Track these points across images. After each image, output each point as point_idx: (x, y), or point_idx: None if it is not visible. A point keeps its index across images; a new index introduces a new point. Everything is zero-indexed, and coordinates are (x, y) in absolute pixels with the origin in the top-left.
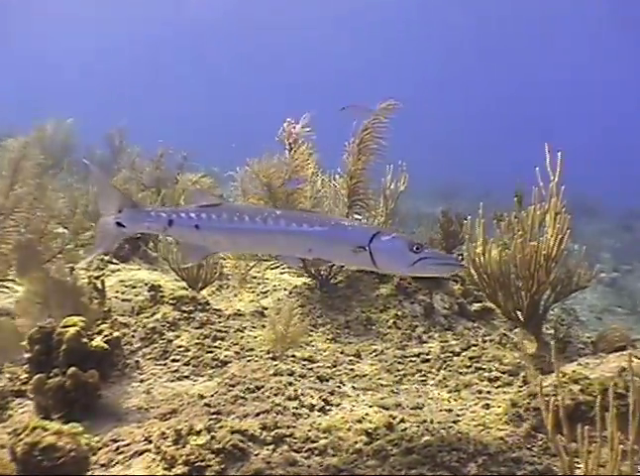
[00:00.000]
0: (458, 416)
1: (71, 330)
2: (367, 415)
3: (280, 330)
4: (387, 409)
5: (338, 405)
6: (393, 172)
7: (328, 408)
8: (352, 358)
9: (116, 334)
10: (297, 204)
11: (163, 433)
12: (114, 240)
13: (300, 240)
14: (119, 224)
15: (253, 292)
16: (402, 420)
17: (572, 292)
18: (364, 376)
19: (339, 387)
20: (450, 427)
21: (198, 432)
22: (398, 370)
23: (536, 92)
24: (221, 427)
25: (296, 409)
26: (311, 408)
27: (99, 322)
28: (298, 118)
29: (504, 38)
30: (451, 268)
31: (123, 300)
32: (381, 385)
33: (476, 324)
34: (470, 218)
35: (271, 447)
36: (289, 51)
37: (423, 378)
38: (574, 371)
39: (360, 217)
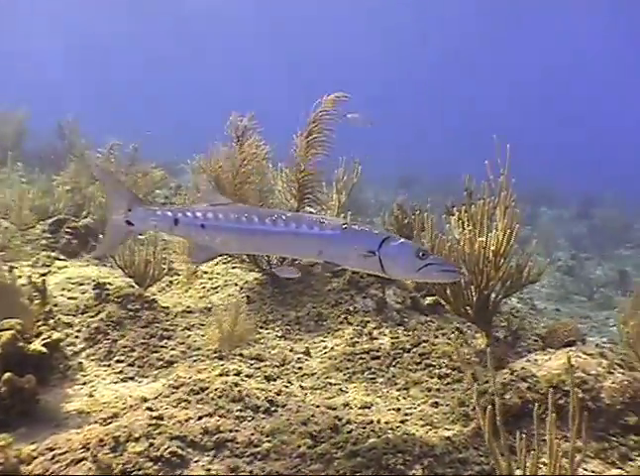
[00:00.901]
0: (406, 415)
1: (7, 334)
2: (312, 416)
3: (227, 329)
4: (335, 409)
5: (284, 406)
6: (346, 163)
7: (273, 409)
8: (301, 356)
9: (56, 336)
10: (247, 198)
11: (101, 440)
12: (123, 238)
13: (310, 243)
14: (128, 223)
15: (203, 287)
16: (348, 422)
17: (522, 286)
18: (312, 374)
19: (286, 386)
20: (397, 427)
21: (137, 439)
22: (348, 368)
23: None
24: (160, 433)
25: (240, 411)
26: (256, 409)
27: (39, 324)
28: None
29: (468, 37)
30: (453, 275)
31: (69, 299)
32: (330, 384)
33: (429, 318)
34: (420, 212)
35: (212, 453)
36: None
37: (373, 376)
38: (522, 368)
39: (313, 211)
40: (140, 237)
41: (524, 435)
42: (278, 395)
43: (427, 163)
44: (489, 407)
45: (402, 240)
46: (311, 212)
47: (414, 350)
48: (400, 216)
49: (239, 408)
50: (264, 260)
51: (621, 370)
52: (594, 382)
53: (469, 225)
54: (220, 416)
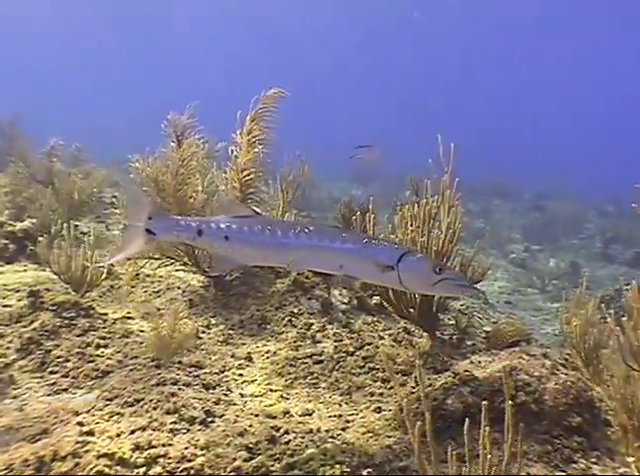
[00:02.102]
0: (347, 422)
1: None
2: (250, 426)
3: (165, 336)
4: (275, 417)
5: (222, 416)
6: (292, 161)
7: (210, 420)
8: (242, 361)
9: None
10: (187, 199)
11: (26, 460)
12: (141, 247)
13: (332, 257)
14: (149, 231)
15: (145, 291)
16: (287, 432)
17: None
18: (253, 381)
19: (226, 395)
20: (338, 435)
21: (63, 458)
22: (290, 373)
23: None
24: (88, 451)
25: (175, 423)
26: (192, 421)
27: None
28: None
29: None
30: (466, 290)
31: (4, 307)
32: (271, 390)
33: (375, 318)
34: (361, 211)
35: (143, 470)
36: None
37: (315, 381)
38: (465, 370)
39: (259, 210)
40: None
41: (463, 442)
42: (217, 404)
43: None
44: (421, 420)
45: (420, 255)
46: (257, 212)
47: (358, 353)
48: (347, 214)
49: (173, 420)
50: (207, 262)
51: (565, 370)
52: (537, 384)
53: (412, 225)
54: (153, 430)
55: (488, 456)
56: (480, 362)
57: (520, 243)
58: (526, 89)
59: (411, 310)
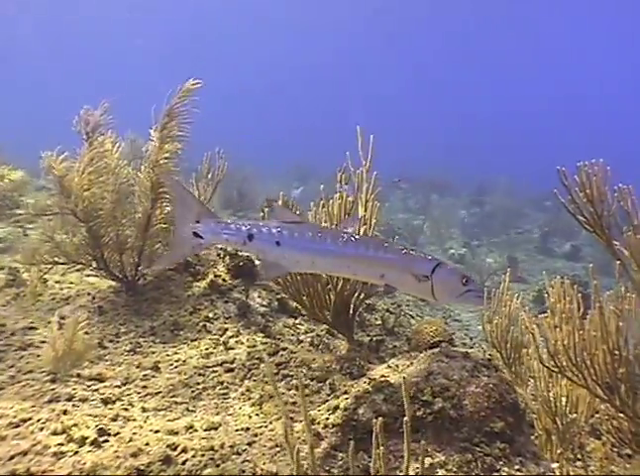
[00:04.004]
0: (255, 435)
1: None
2: (146, 445)
3: (63, 347)
4: (177, 433)
5: (117, 434)
6: (211, 159)
7: (104, 439)
8: (148, 372)
9: None
10: (97, 200)
11: None
12: (190, 250)
13: (375, 266)
14: (196, 234)
15: (53, 299)
16: (184, 450)
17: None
18: (157, 393)
19: (126, 410)
20: (244, 450)
21: None
22: (198, 383)
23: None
24: None
25: (61, 445)
26: (82, 442)
27: None
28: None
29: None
30: (483, 302)
31: None
32: (176, 403)
33: (297, 321)
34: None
35: None
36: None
37: (225, 391)
38: (382, 376)
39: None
40: None
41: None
42: (114, 421)
43: (325, 154)
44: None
45: (450, 266)
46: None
47: (271, 359)
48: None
49: (59, 441)
50: (117, 267)
51: (487, 372)
52: (457, 388)
53: (326, 220)
54: (36, 454)
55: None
56: (397, 366)
57: (459, 239)
58: (464, 89)
59: (326, 313)
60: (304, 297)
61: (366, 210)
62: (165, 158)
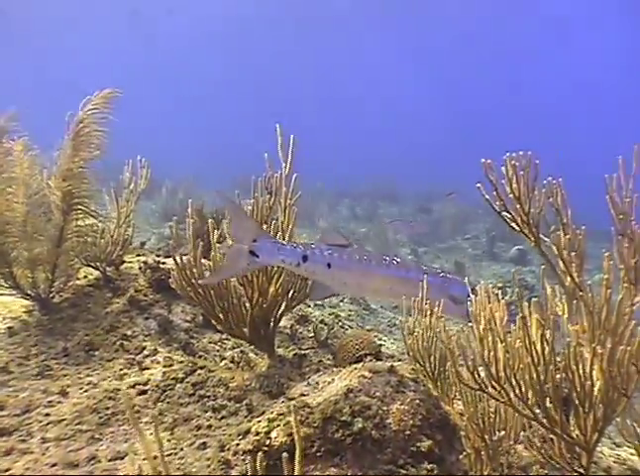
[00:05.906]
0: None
1: None
2: None
3: None
4: (77, 466)
5: (7, 470)
6: (133, 168)
7: None
8: (54, 397)
9: None
10: (4, 210)
11: None
12: (245, 268)
13: (415, 288)
14: (252, 253)
15: None
16: None
17: (308, 296)
18: (61, 421)
19: (23, 441)
20: None
21: None
22: (107, 408)
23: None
24: None
25: None
26: None
27: None
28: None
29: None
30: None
31: None
32: (81, 431)
33: (224, 336)
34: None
35: None
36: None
37: (136, 415)
38: (301, 394)
39: (98, 223)
40: None
41: None
42: (8, 455)
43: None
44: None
45: None
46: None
47: (188, 379)
48: (197, 221)
49: None
50: (28, 284)
51: (414, 386)
52: (379, 406)
53: None
54: None
55: None
56: (317, 383)
57: (406, 246)
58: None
59: (243, 328)
60: (219, 312)
61: (285, 217)
62: (78, 168)
